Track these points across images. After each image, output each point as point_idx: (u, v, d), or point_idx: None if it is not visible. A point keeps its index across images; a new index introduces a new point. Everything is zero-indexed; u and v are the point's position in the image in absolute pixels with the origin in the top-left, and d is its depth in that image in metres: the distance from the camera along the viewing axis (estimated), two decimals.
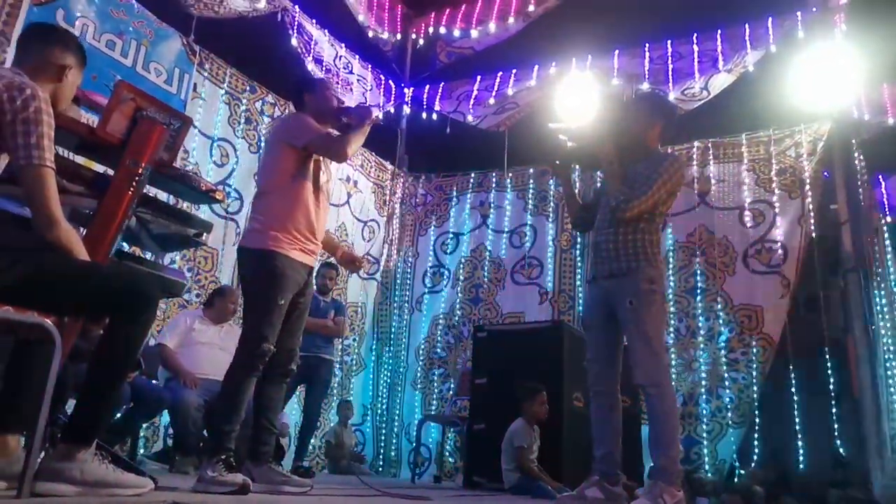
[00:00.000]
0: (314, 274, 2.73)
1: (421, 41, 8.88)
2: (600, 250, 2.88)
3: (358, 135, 2.65)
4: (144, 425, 4.33)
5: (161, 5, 5.55)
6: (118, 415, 3.44)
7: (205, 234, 2.73)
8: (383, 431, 7.56)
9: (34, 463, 1.52)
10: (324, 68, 7.31)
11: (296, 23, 7.13)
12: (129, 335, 1.74)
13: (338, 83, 7.38)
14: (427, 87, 8.68)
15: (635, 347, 2.71)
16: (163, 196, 2.91)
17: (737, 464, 6.32)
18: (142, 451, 4.31)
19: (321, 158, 2.67)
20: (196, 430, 3.76)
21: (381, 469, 7.33)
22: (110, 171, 2.35)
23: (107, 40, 5.03)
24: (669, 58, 7.34)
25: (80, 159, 2.53)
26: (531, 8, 8.07)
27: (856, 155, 6.67)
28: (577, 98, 7.33)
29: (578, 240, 7.49)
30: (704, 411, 6.44)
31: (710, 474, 6.10)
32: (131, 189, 2.24)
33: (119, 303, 1.72)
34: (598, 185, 3.18)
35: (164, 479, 2.74)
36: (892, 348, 6.27)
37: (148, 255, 2.83)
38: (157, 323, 4.83)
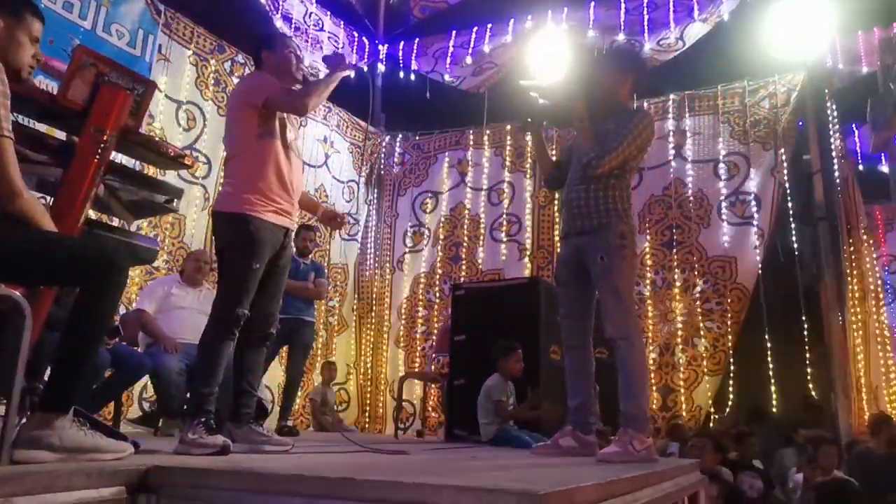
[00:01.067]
0: (292, 236, 2.71)
1: None
2: (571, 207, 2.90)
3: (321, 87, 2.60)
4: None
5: None
6: (100, 382, 3.46)
7: (175, 200, 2.70)
8: (368, 389, 7.69)
9: (11, 431, 1.54)
10: (293, 25, 7.15)
11: None
12: (99, 304, 1.74)
13: (307, 41, 7.24)
14: (402, 43, 8.53)
15: (606, 302, 2.77)
16: (130, 163, 2.87)
17: (711, 409, 6.54)
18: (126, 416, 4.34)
19: (286, 116, 2.62)
20: (179, 394, 3.80)
21: (366, 426, 7.47)
22: (75, 139, 2.31)
23: (63, 2, 4.86)
24: (645, 8, 7.27)
25: (42, 127, 2.49)
26: None
27: (829, 104, 6.72)
28: (550, 53, 7.26)
29: (556, 196, 7.53)
30: (681, 360, 6.61)
31: (686, 421, 6.31)
32: (97, 157, 2.21)
33: (88, 273, 1.71)
34: (572, 142, 3.18)
35: (149, 442, 2.79)
36: (857, 295, 6.45)
37: (118, 223, 2.81)
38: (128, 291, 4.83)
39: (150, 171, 3.42)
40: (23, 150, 2.05)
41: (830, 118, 6.73)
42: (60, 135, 2.53)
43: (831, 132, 6.70)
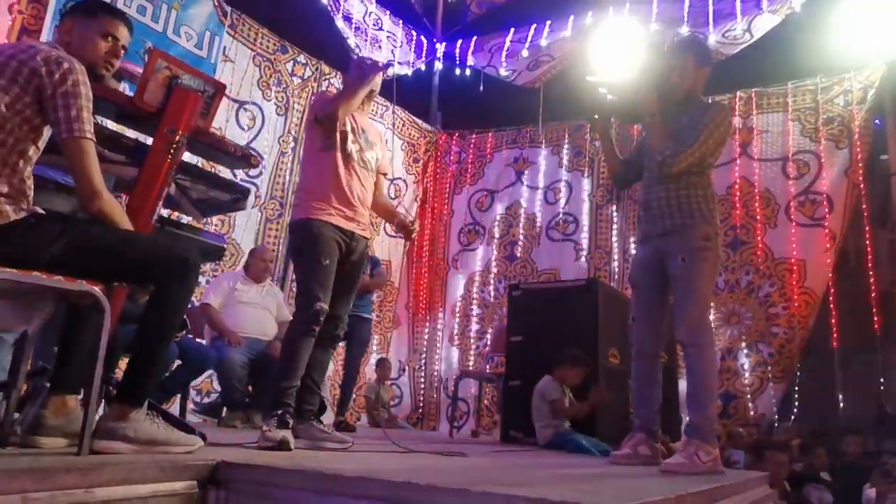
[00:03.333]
0: (360, 241, 2.74)
1: None
2: (651, 208, 2.79)
3: (349, 90, 2.69)
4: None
5: None
6: (167, 373, 3.59)
7: (242, 198, 2.77)
8: (422, 386, 7.73)
9: (92, 421, 1.61)
10: (353, 25, 7.23)
11: None
12: (173, 300, 1.80)
13: (366, 40, 7.30)
14: (459, 41, 8.52)
15: (682, 304, 2.65)
16: (198, 162, 2.96)
17: (776, 417, 6.29)
18: (191, 405, 4.49)
19: (348, 129, 2.70)
20: (241, 386, 3.91)
21: (419, 422, 7.52)
22: (149, 139, 2.39)
23: (138, 5, 5.06)
24: (710, 1, 7.03)
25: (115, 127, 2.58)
26: None
27: None
28: (615, 48, 7.11)
29: (615, 195, 7.38)
30: (744, 366, 6.39)
31: (749, 430, 6.09)
32: (169, 157, 2.28)
33: (162, 270, 1.77)
34: (641, 139, 3.08)
35: (213, 433, 2.87)
36: None
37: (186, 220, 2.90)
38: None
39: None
40: (102, 150, 2.14)
41: None
42: (131, 134, 2.64)
43: None
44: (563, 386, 3.97)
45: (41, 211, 1.78)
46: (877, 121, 6.52)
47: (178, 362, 3.63)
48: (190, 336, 3.99)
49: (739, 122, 6.92)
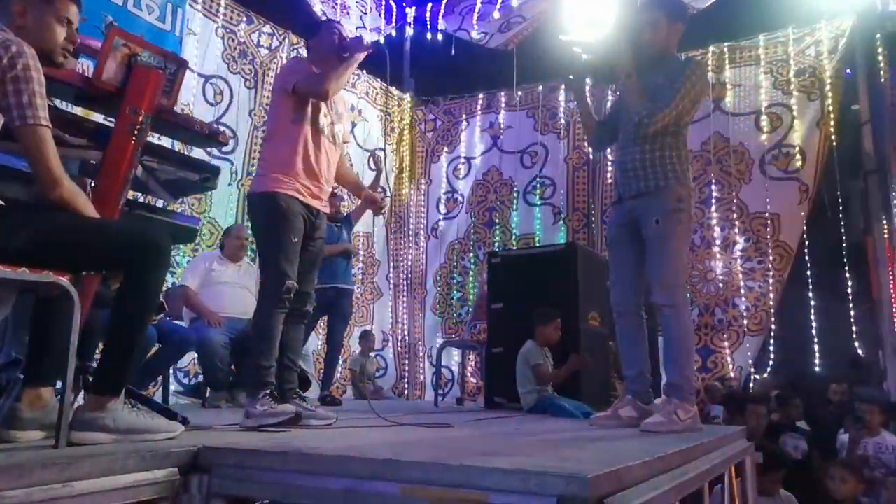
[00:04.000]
0: (323, 218, 2.71)
1: None
2: (626, 169, 2.78)
3: (340, 70, 2.59)
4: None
5: None
6: (147, 356, 3.56)
7: (212, 177, 2.72)
8: (406, 356, 7.77)
9: (68, 413, 1.59)
10: None
11: None
12: (145, 286, 1.77)
13: (334, 7, 7.13)
14: (430, 4, 8.34)
15: (656, 266, 2.68)
16: (165, 142, 2.89)
17: (752, 370, 6.44)
18: (173, 387, 4.47)
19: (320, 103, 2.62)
20: (224, 366, 3.89)
21: (405, 392, 7.59)
22: (112, 121, 2.32)
23: None
24: None
25: (78, 110, 2.51)
26: None
27: (879, 51, 6.38)
28: (588, 6, 7.01)
29: (590, 157, 7.37)
30: (720, 321, 6.51)
31: (728, 383, 6.24)
32: (133, 138, 2.22)
33: (132, 257, 1.74)
34: (614, 99, 3.06)
35: (197, 414, 2.87)
36: None
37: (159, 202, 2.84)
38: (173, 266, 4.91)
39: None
40: (62, 134, 2.07)
41: (881, 65, 6.39)
42: (97, 117, 2.56)
43: (882, 80, 6.37)
44: (546, 350, 4.01)
45: (1, 202, 1.73)
46: (848, 70, 6.55)
47: (157, 346, 3.60)
48: (168, 318, 3.95)
49: (712, 78, 6.91)
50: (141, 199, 2.74)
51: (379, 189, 2.92)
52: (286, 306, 2.52)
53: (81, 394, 1.88)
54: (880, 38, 6.38)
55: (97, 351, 2.52)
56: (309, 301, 2.69)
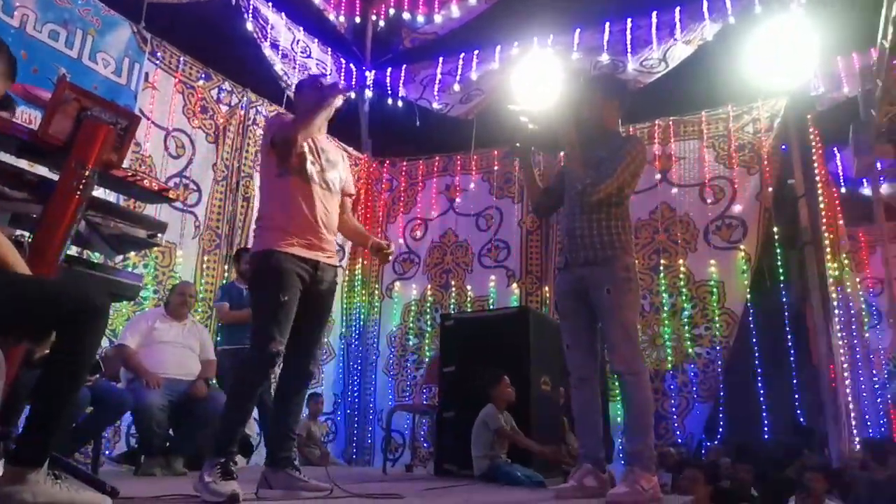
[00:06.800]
0: (326, 270, 2.60)
1: (382, 23, 8.73)
2: (574, 237, 2.83)
3: (310, 113, 2.55)
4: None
5: None
6: (79, 420, 3.36)
7: (159, 234, 2.65)
8: (356, 419, 7.56)
9: None
10: (280, 53, 7.15)
11: (251, 6, 6.95)
12: (78, 350, 1.67)
13: (294, 68, 7.23)
14: (389, 69, 8.56)
15: (612, 335, 2.70)
16: (113, 197, 2.82)
17: (703, 436, 6.49)
18: (106, 453, 4.22)
19: (307, 151, 2.57)
20: (161, 430, 3.70)
21: (353, 457, 7.34)
22: (57, 175, 2.25)
23: (49, 30, 4.81)
24: (628, 30, 7.35)
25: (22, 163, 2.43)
26: None
27: (811, 129, 6.80)
28: (537, 77, 7.32)
29: (542, 221, 7.53)
30: (671, 387, 6.57)
31: (679, 449, 6.25)
32: (78, 192, 2.16)
33: (65, 316, 1.65)
34: (563, 167, 3.14)
35: (130, 483, 2.69)
36: (843, 319, 6.47)
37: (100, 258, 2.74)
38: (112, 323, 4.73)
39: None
40: (1, 187, 2.00)
41: (813, 143, 6.81)
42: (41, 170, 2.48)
43: (814, 156, 6.77)
44: (506, 413, 3.98)
45: None
46: (783, 146, 6.95)
47: (90, 408, 3.41)
48: (104, 379, 3.75)
49: (659, 150, 7.22)
50: (78, 255, 2.64)
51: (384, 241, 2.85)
52: (269, 372, 2.42)
53: (1, 462, 1.75)
54: (811, 118, 6.82)
55: (20, 416, 2.37)
56: (313, 361, 2.60)
